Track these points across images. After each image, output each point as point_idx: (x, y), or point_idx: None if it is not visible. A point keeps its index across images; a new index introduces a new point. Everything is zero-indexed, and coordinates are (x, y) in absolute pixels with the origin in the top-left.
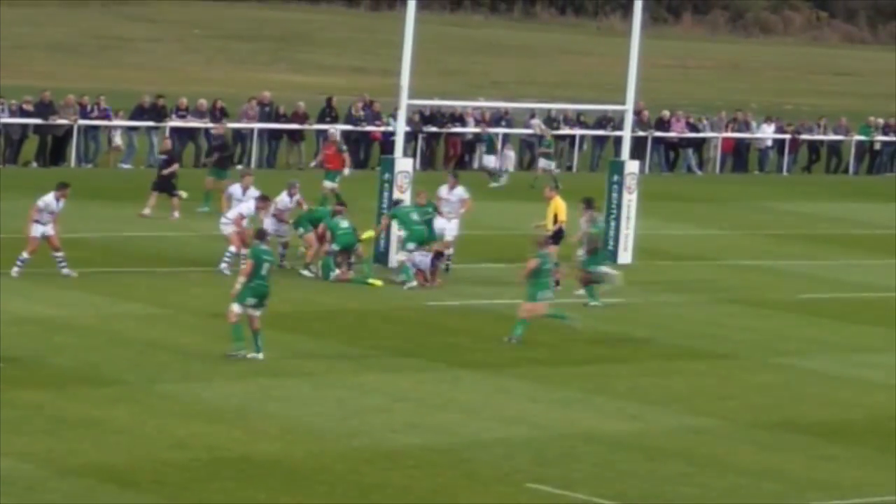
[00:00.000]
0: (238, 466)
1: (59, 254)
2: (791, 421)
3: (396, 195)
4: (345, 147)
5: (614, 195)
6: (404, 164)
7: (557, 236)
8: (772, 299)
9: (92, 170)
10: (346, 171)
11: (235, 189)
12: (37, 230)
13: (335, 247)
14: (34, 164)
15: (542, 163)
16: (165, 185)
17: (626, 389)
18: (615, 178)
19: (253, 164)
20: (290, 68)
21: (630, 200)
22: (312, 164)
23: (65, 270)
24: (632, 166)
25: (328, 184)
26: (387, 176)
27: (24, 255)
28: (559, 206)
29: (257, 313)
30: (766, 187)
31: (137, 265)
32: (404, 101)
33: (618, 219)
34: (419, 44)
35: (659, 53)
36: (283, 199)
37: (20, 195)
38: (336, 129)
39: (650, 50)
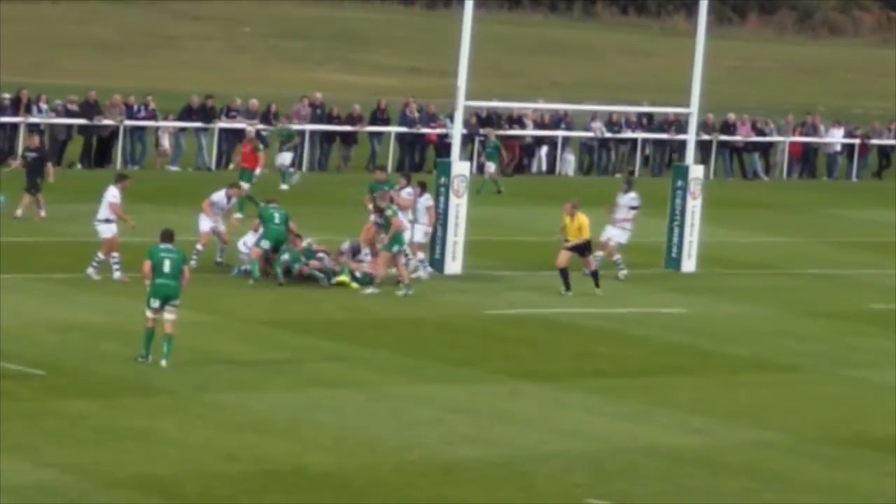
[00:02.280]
0: (289, 479)
1: (116, 255)
2: (860, 435)
3: (453, 200)
4: (261, 146)
5: (678, 201)
6: (461, 168)
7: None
8: (840, 309)
9: (138, 172)
10: (258, 170)
11: (220, 197)
12: (111, 229)
13: (266, 243)
14: (79, 166)
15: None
16: (33, 184)
17: (689, 402)
18: (679, 183)
19: (304, 167)
20: (343, 68)
21: (694, 206)
22: (231, 165)
23: (117, 274)
24: (696, 171)
25: (244, 185)
26: (443, 180)
27: (107, 255)
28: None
29: (168, 316)
30: (835, 193)
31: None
32: (461, 102)
33: (681, 225)
34: (476, 43)
35: (724, 54)
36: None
37: (64, 198)
38: (252, 128)
39: (715, 51)
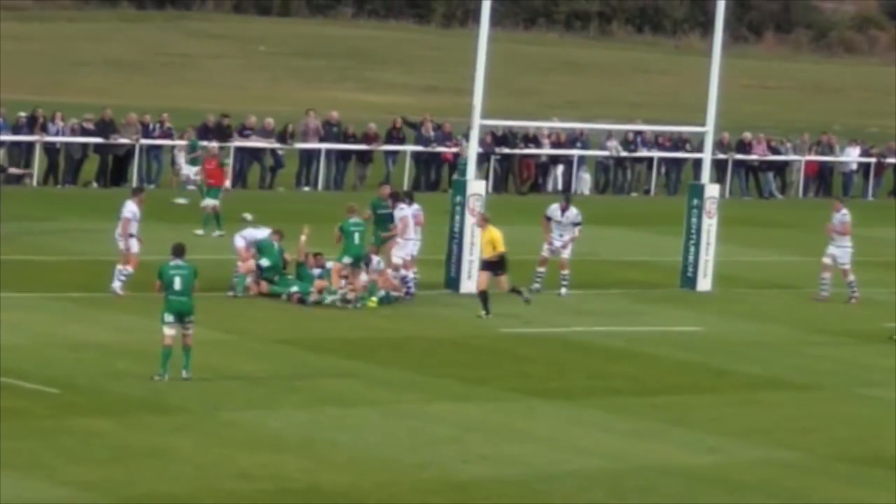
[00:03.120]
0: (305, 497)
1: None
2: (876, 455)
3: (469, 219)
4: (226, 161)
5: (693, 220)
6: (477, 187)
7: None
8: (856, 328)
9: (154, 191)
10: (227, 183)
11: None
12: (135, 244)
13: (347, 259)
14: (95, 185)
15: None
16: None
17: (705, 420)
18: (694, 201)
19: (319, 186)
20: (359, 87)
21: (710, 225)
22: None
23: (116, 283)
24: (712, 190)
25: (210, 202)
26: (458, 198)
27: (129, 269)
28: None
29: (185, 331)
30: (851, 212)
31: (202, 289)
32: (477, 121)
33: (697, 244)
34: (492, 62)
35: (739, 73)
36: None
37: (80, 217)
38: (215, 144)
39: (730, 69)
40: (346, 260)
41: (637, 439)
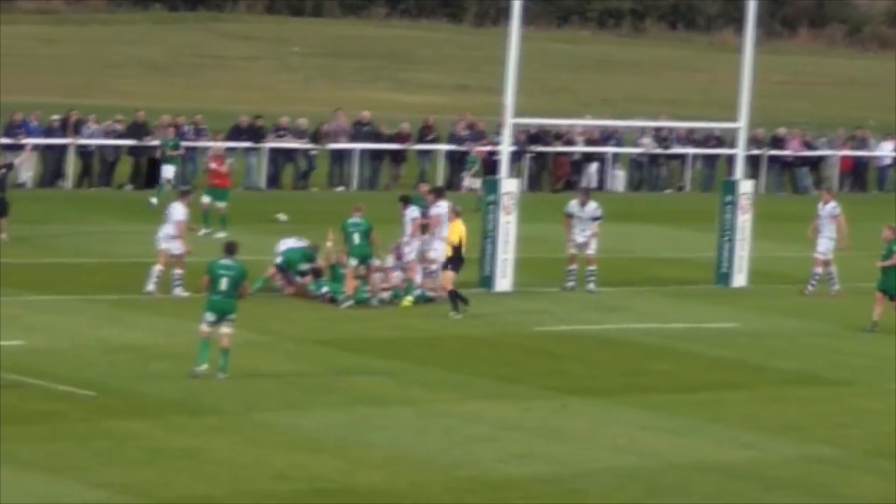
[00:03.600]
0: (340, 498)
1: (160, 269)
2: None
3: (503, 217)
4: (230, 161)
5: (727, 216)
6: (510, 185)
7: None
8: (892, 324)
9: None
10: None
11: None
12: (180, 246)
13: (353, 261)
14: (129, 187)
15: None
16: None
17: (741, 417)
18: (728, 198)
19: (354, 185)
20: (392, 87)
21: (744, 221)
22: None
23: (177, 290)
24: (746, 186)
25: (210, 201)
26: (492, 197)
27: (166, 268)
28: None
29: (224, 330)
30: (886, 207)
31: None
32: (509, 119)
33: (731, 240)
34: (525, 60)
35: (773, 69)
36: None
37: (114, 219)
38: (221, 144)
39: (764, 65)
40: (353, 262)
41: (672, 436)
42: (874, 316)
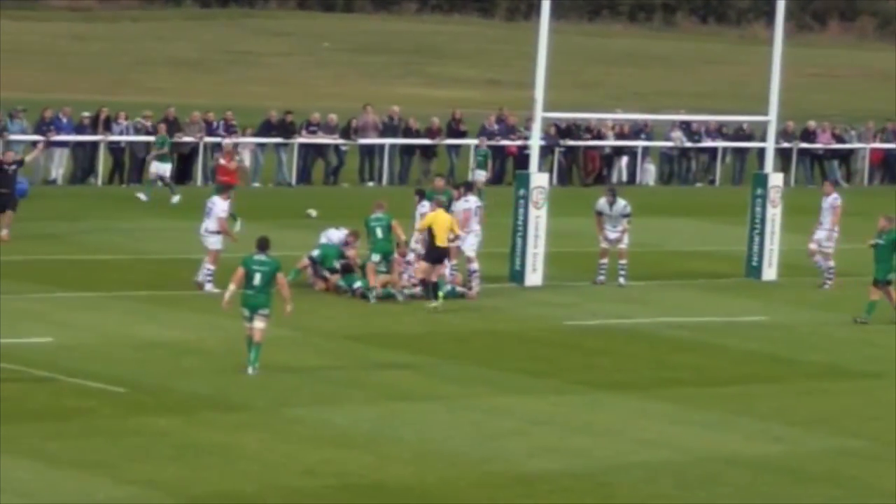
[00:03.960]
0: (370, 493)
1: (211, 267)
2: None
3: (533, 211)
4: (239, 158)
5: (758, 209)
6: (540, 180)
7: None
8: None
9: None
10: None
11: (338, 237)
12: (219, 241)
13: (375, 256)
14: (159, 184)
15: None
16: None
17: (771, 410)
18: (759, 191)
19: (384, 181)
20: (423, 82)
21: (774, 214)
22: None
23: (208, 286)
24: (776, 179)
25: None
26: (522, 191)
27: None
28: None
29: (257, 325)
30: None
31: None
32: (539, 114)
33: (762, 233)
34: (555, 55)
35: (804, 62)
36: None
37: (144, 215)
38: (229, 140)
39: (795, 58)
40: (375, 258)
41: (702, 430)
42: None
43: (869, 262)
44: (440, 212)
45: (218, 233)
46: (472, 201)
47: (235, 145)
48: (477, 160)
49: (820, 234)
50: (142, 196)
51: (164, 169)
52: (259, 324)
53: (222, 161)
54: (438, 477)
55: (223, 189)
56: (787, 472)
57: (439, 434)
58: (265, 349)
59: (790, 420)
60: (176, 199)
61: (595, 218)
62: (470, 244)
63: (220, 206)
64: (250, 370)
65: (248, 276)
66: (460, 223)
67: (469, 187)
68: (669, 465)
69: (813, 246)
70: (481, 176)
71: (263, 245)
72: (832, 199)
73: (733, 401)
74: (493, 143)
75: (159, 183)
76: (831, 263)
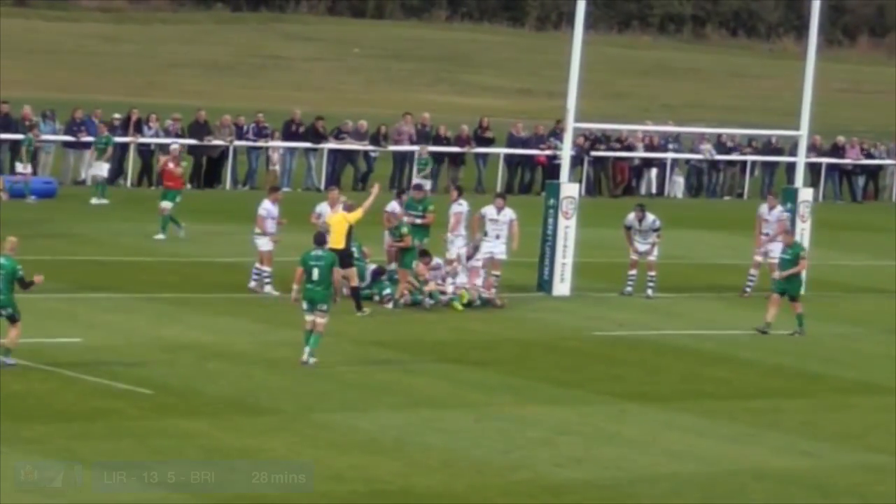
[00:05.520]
0: (397, 499)
1: (265, 269)
2: None
3: (562, 222)
4: (184, 163)
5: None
6: (570, 190)
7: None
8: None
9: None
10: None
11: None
12: (267, 242)
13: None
14: (188, 186)
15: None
16: None
17: (799, 424)
18: (788, 205)
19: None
20: (452, 90)
21: (804, 229)
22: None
23: (267, 288)
24: (805, 194)
25: (166, 204)
26: (552, 201)
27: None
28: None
29: (318, 319)
30: None
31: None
32: (570, 124)
33: None
34: (585, 65)
35: (833, 77)
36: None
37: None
38: (176, 144)
39: (824, 73)
40: (415, 264)
41: (730, 443)
42: (768, 317)
43: None
44: (344, 214)
45: (264, 233)
46: (464, 205)
47: (182, 149)
48: (419, 167)
49: (771, 247)
50: (95, 201)
51: (102, 168)
52: (320, 318)
53: (170, 165)
54: (466, 484)
55: (273, 190)
56: (814, 487)
57: (466, 442)
58: (293, 354)
59: (818, 435)
60: (182, 233)
61: (624, 232)
62: (458, 246)
63: (262, 205)
64: (306, 356)
65: (307, 272)
66: (451, 226)
67: (461, 191)
68: (696, 477)
69: (759, 258)
70: (426, 184)
71: (320, 240)
72: (778, 213)
73: (761, 415)
74: (521, 152)
75: (98, 185)
76: (754, 271)
